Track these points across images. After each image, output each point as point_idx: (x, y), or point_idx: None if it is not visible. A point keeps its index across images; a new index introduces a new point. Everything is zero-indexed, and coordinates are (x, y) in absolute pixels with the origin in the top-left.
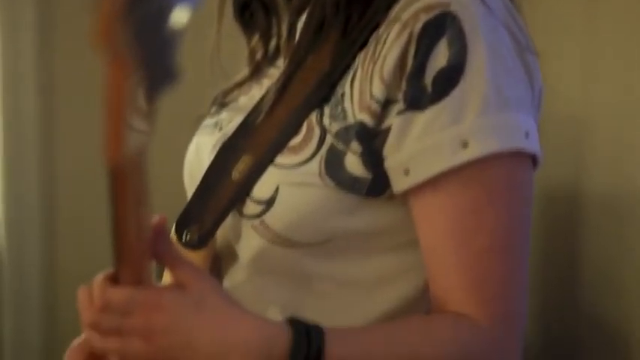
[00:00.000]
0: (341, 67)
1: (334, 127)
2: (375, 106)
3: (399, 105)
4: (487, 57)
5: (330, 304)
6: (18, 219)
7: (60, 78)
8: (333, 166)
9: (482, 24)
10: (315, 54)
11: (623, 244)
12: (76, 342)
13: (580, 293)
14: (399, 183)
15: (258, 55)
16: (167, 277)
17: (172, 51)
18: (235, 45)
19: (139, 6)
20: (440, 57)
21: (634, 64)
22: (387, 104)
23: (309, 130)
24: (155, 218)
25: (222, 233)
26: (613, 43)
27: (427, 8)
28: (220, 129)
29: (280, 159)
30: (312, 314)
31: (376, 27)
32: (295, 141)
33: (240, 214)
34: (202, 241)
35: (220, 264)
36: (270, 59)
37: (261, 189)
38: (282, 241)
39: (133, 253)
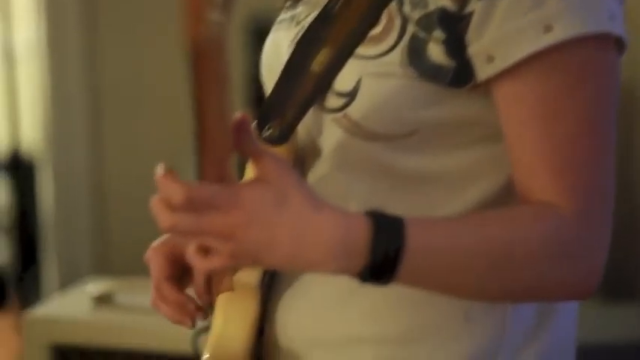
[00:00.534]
0: None
1: (415, 14)
2: None
3: None
4: None
5: (412, 200)
6: (63, 123)
7: None
8: (416, 55)
9: None
10: None
11: None
12: (157, 241)
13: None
14: (483, 70)
15: None
16: (249, 174)
17: None
18: None
19: None
20: None
21: None
22: None
23: (390, 19)
24: (237, 113)
25: (303, 128)
26: None
27: None
28: (297, 23)
29: (361, 50)
30: (393, 210)
31: None
32: (376, 31)
33: (322, 107)
34: (283, 136)
35: (303, 160)
36: None
37: (343, 81)
38: (365, 133)
39: (216, 144)
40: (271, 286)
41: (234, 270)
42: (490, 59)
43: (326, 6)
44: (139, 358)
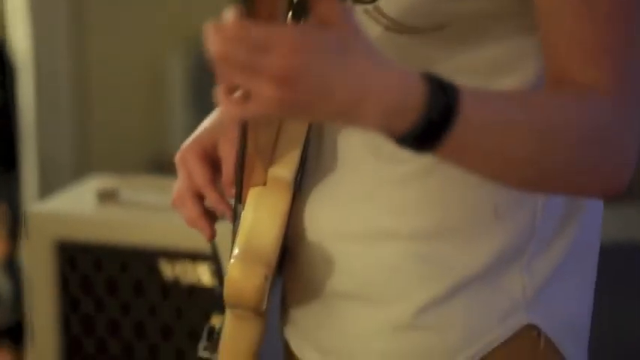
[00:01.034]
0: None
1: None
2: None
3: None
4: None
5: None
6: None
7: None
8: None
9: None
10: None
11: None
12: (188, 142)
13: None
14: None
15: None
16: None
17: None
18: None
19: None
20: None
21: None
22: None
23: None
24: None
25: None
26: None
27: None
28: None
29: None
30: None
31: None
32: None
33: None
34: None
35: None
36: None
37: None
38: (397, 26)
39: None
40: (300, 181)
41: (273, 124)
42: None
43: None
44: (145, 254)
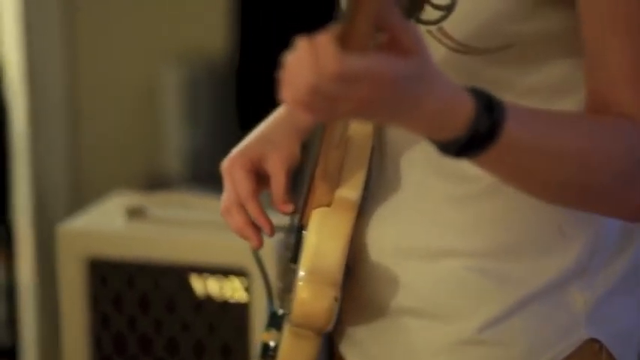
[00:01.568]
0: None
1: None
2: None
3: None
4: None
5: None
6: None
7: None
8: None
9: None
10: None
11: None
12: (235, 152)
13: None
14: None
15: None
16: None
17: None
18: None
19: None
20: None
21: None
22: None
23: None
24: None
25: None
26: None
27: None
28: None
29: None
30: None
31: None
32: None
33: (418, 20)
34: None
35: None
36: None
37: None
38: (461, 47)
39: (362, 13)
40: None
41: (343, 147)
42: None
43: None
44: (176, 270)
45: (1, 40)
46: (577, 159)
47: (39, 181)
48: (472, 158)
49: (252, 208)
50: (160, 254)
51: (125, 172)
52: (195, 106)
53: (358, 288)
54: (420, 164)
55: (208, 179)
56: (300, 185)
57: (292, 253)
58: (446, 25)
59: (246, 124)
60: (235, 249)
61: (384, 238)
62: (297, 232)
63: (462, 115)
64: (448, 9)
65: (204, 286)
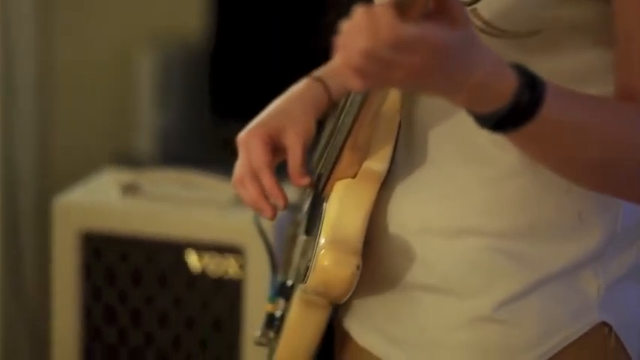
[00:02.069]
0: None
1: None
2: None
3: None
4: None
5: None
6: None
7: None
8: None
9: None
10: None
11: None
12: (254, 124)
13: None
14: None
15: None
16: None
17: None
18: None
19: None
20: None
21: None
22: None
23: None
24: None
25: None
26: None
27: None
28: None
29: None
30: None
31: None
32: None
33: None
34: None
35: None
36: None
37: None
38: (492, 29)
39: None
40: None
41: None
42: None
43: None
44: (171, 246)
45: None
46: (609, 141)
47: (9, 160)
48: (509, 133)
49: (267, 179)
50: (154, 230)
51: (97, 152)
52: (168, 87)
53: (373, 261)
54: (447, 143)
55: (179, 160)
56: (316, 160)
57: (307, 225)
58: (479, 6)
59: (218, 107)
60: (230, 226)
61: (405, 213)
62: (316, 203)
63: (505, 88)
64: None
65: (198, 262)
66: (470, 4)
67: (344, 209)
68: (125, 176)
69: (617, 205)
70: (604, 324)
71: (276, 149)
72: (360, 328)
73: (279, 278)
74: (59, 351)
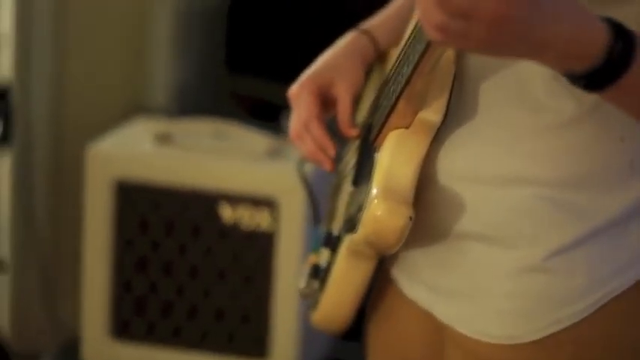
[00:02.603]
0: None
1: None
2: None
3: None
4: None
5: None
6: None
7: None
8: None
9: None
10: None
11: None
12: (304, 77)
13: None
14: None
15: None
16: None
17: None
18: None
19: None
20: None
21: None
22: None
23: None
24: None
25: None
26: None
27: None
28: None
29: None
30: None
31: None
32: None
33: None
34: None
35: None
36: None
37: None
38: None
39: None
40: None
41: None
42: None
43: None
44: (204, 197)
45: None
46: None
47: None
48: (604, 89)
49: (316, 130)
50: (187, 180)
51: (112, 104)
52: (185, 41)
53: (423, 211)
54: (501, 92)
55: (194, 113)
56: (367, 110)
57: (355, 176)
58: None
59: (234, 62)
60: (264, 179)
61: (456, 163)
62: (366, 153)
63: (596, 40)
64: None
65: (231, 214)
66: None
67: (397, 160)
68: (157, 125)
69: None
70: None
71: (326, 102)
72: (406, 279)
73: (323, 229)
74: (89, 300)
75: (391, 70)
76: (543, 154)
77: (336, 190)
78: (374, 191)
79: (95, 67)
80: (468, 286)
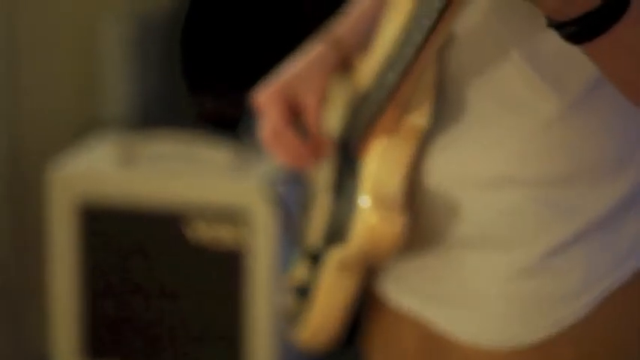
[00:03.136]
0: None
1: None
2: None
3: None
4: None
5: None
6: None
7: None
8: None
9: None
10: None
11: None
12: (270, 86)
13: None
14: None
15: None
16: None
17: None
18: None
19: None
20: None
21: None
22: None
23: None
24: None
25: None
26: None
27: None
28: None
29: None
30: None
31: None
32: None
33: None
34: None
35: None
36: None
37: None
38: None
39: None
40: None
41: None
42: None
43: None
44: (170, 214)
45: None
46: None
47: None
48: (590, 39)
49: (290, 136)
50: (154, 199)
51: (69, 120)
52: (141, 51)
53: (413, 218)
54: (483, 95)
55: (153, 125)
56: (340, 118)
57: (335, 187)
58: None
59: (192, 73)
60: (231, 193)
61: (444, 167)
62: (347, 162)
63: None
64: None
65: (200, 231)
66: None
67: (386, 167)
68: (117, 142)
69: None
70: None
71: (293, 111)
72: (395, 290)
73: (300, 245)
74: (58, 324)
75: (369, 78)
76: (530, 153)
77: (309, 204)
78: (365, 200)
79: (49, 82)
80: (463, 292)
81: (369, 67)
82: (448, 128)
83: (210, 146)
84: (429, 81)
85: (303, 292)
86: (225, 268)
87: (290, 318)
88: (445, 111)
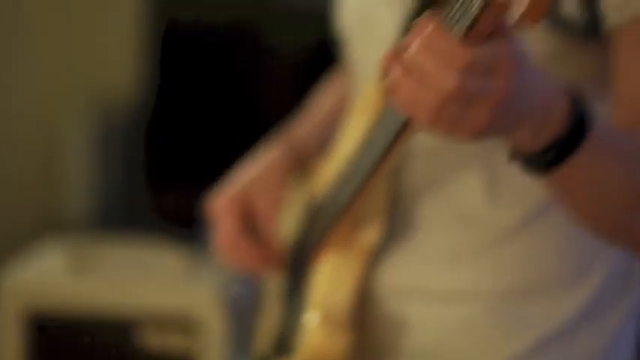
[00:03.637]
0: None
1: None
2: None
3: None
4: None
5: None
6: None
7: None
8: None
9: None
10: None
11: None
12: (225, 195)
13: None
14: (615, 18)
15: None
16: None
17: None
18: None
19: None
20: None
21: None
22: None
23: None
24: None
25: None
26: None
27: None
28: None
29: None
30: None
31: None
32: None
33: None
34: None
35: None
36: None
37: None
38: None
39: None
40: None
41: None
42: (625, 4)
43: None
44: (119, 321)
45: None
46: (633, 176)
47: None
48: (547, 169)
49: (247, 243)
50: (107, 308)
51: (27, 221)
52: (100, 155)
53: (364, 331)
54: (437, 211)
55: (108, 226)
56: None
57: (285, 297)
58: None
59: (151, 175)
60: (184, 302)
61: (397, 280)
62: (298, 275)
63: (560, 111)
64: None
65: (151, 338)
66: None
67: (335, 282)
68: (70, 248)
69: (608, 257)
70: None
71: (250, 214)
72: None
73: (250, 351)
74: None
75: (325, 189)
76: (487, 268)
77: (262, 308)
78: (311, 316)
79: (7, 181)
80: None
81: (327, 174)
82: (403, 244)
83: (164, 251)
84: (382, 195)
85: None
86: None
87: None
88: (398, 223)
